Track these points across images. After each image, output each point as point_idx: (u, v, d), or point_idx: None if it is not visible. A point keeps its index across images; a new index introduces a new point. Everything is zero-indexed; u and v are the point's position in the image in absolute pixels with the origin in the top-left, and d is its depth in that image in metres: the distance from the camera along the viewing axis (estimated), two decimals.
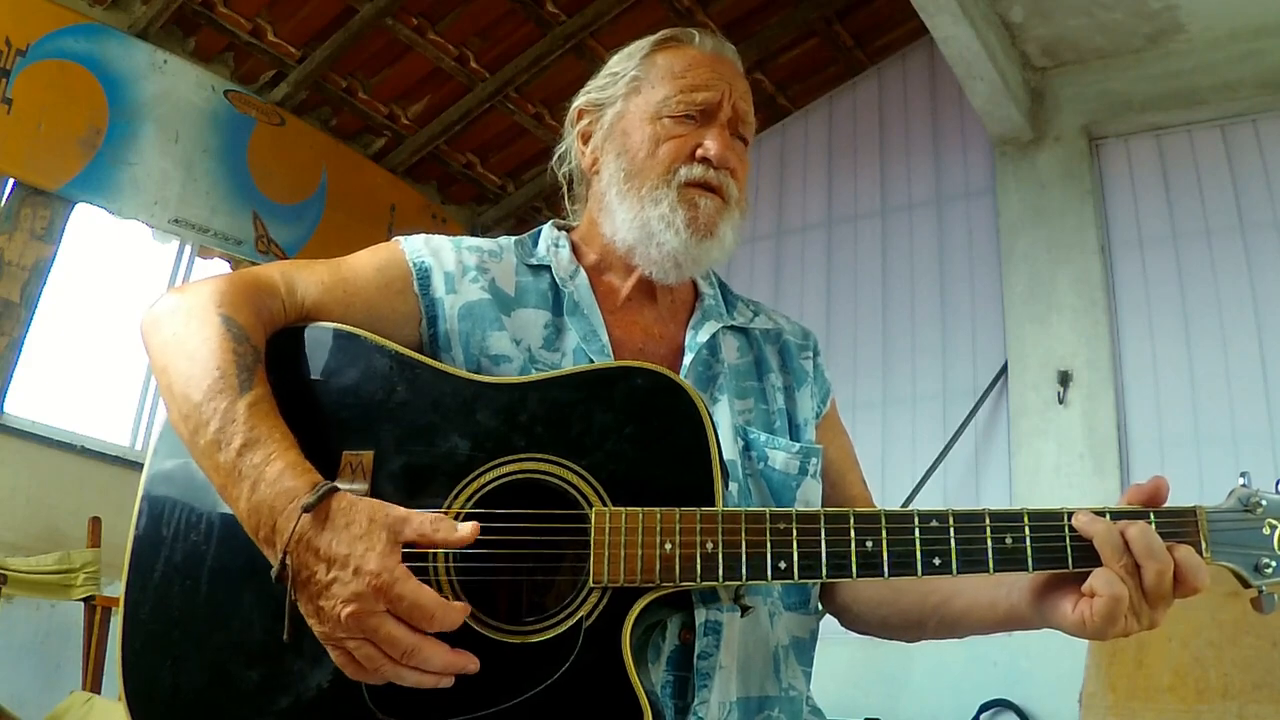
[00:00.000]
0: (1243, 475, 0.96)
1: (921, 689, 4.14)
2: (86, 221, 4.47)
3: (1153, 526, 0.91)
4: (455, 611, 0.87)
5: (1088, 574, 0.91)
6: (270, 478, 0.89)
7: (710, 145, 1.15)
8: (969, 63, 4.35)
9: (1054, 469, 4.35)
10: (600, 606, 0.93)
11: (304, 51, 4.96)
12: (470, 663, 0.88)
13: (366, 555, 0.86)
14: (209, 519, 0.98)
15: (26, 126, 4.15)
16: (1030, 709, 3.95)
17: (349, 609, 0.84)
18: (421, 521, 0.89)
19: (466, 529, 0.90)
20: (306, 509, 0.87)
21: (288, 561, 0.86)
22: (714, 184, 1.16)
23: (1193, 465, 4.14)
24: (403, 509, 0.89)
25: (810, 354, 1.30)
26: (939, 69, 5.03)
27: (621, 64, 1.24)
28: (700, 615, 1.01)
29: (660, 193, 1.15)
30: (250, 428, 0.92)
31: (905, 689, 4.17)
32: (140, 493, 1.00)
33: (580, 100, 1.27)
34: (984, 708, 4.01)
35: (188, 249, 4.88)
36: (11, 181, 4.17)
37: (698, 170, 1.15)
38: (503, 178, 6.01)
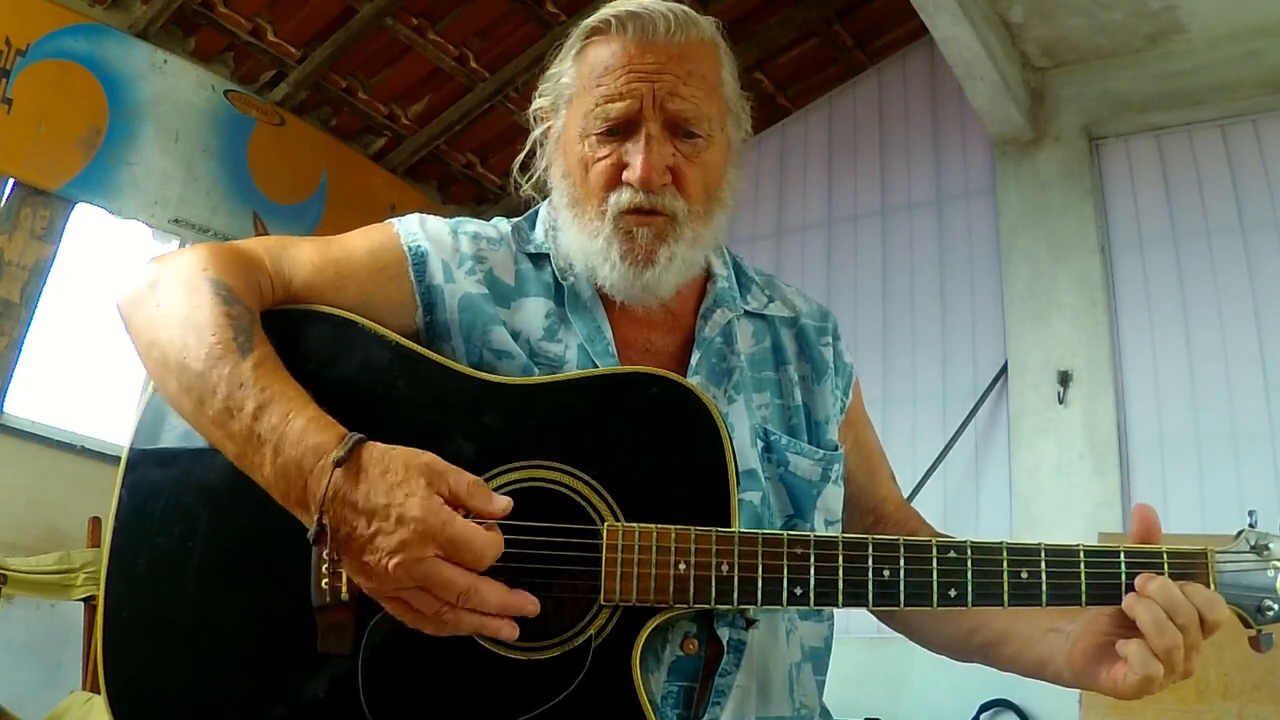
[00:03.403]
0: (1250, 514, 0.97)
1: (921, 689, 4.14)
2: (86, 221, 4.46)
3: (1165, 568, 0.93)
4: (494, 545, 0.84)
5: (1122, 636, 0.93)
6: (293, 437, 0.86)
7: (634, 168, 1.04)
8: (969, 63, 4.35)
9: (1054, 469, 4.34)
10: (610, 625, 0.90)
11: (304, 51, 4.95)
12: (529, 603, 0.85)
13: (408, 502, 0.82)
14: (194, 512, 0.93)
15: (26, 126, 4.14)
16: (1030, 709, 3.95)
17: (396, 559, 0.81)
18: (459, 479, 0.85)
19: (502, 502, 0.87)
20: (338, 463, 0.84)
21: (325, 521, 0.83)
22: (647, 207, 1.05)
23: (1193, 465, 4.14)
24: (441, 460, 0.86)
25: (829, 338, 1.22)
26: (939, 69, 5.02)
27: (559, 64, 1.14)
28: (724, 634, 0.98)
29: (596, 226, 1.07)
30: (261, 389, 0.88)
31: (905, 689, 4.17)
32: (118, 484, 0.95)
33: (534, 104, 1.17)
34: (984, 708, 4.01)
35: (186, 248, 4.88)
36: (11, 181, 4.16)
37: (626, 196, 1.05)
38: (503, 178, 6.01)
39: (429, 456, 0.86)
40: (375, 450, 0.86)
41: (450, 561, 0.82)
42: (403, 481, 0.84)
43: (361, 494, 0.83)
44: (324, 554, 0.85)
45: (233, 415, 0.88)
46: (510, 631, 0.85)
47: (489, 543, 0.84)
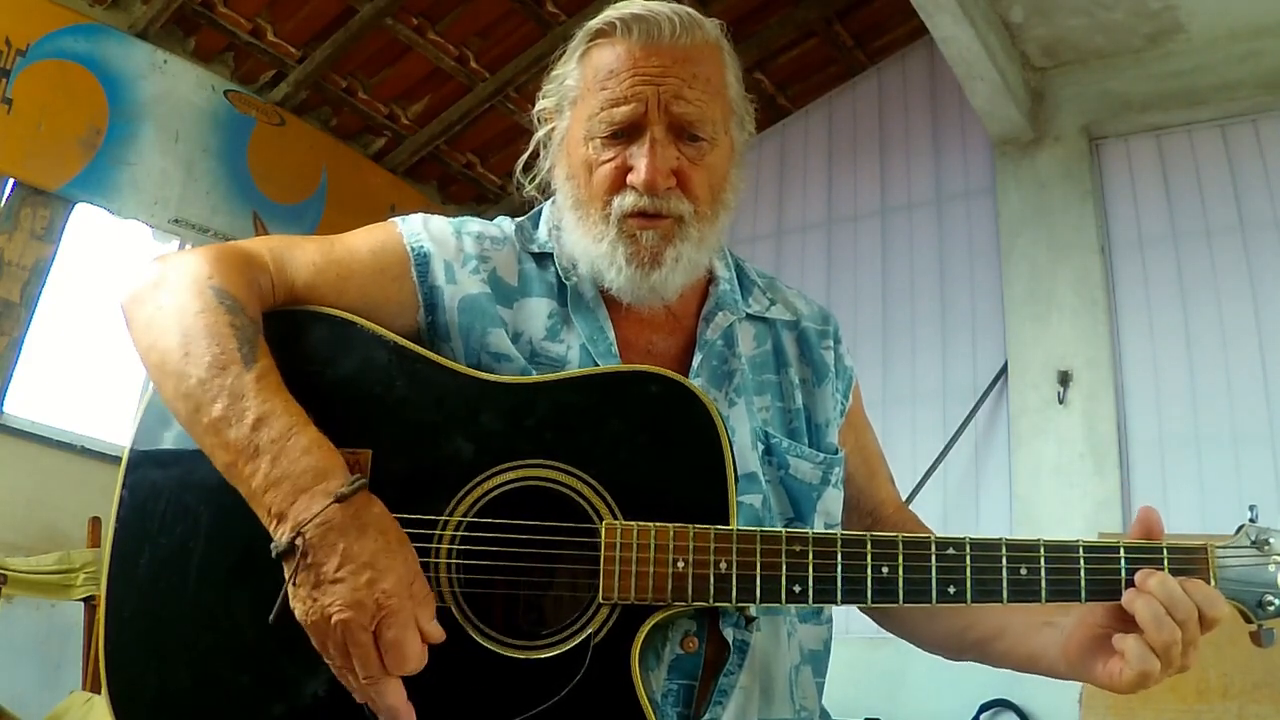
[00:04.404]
0: (1251, 509, 0.97)
1: (921, 689, 4.14)
2: (86, 221, 4.46)
3: (1165, 564, 0.92)
4: (421, 663, 0.85)
5: (1118, 630, 0.92)
6: (293, 454, 0.86)
7: (638, 171, 1.03)
8: (969, 63, 4.35)
9: (1054, 469, 4.34)
10: (609, 624, 0.90)
11: (304, 51, 4.95)
12: None
13: (387, 572, 0.83)
14: (195, 512, 0.94)
15: (26, 126, 4.13)
16: (1030, 709, 3.95)
17: (343, 615, 0.82)
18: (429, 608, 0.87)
19: (437, 634, 0.87)
20: (340, 499, 0.84)
21: (297, 543, 0.83)
22: (651, 211, 1.05)
23: (1193, 465, 4.14)
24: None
25: (831, 342, 1.22)
26: (939, 69, 5.02)
27: (563, 65, 1.14)
28: (729, 634, 0.99)
29: (600, 229, 1.07)
30: (262, 401, 0.88)
31: (905, 689, 4.17)
32: (119, 483, 0.96)
33: (538, 105, 1.17)
34: (984, 708, 4.01)
35: (188, 249, 4.88)
36: (11, 181, 4.15)
37: (630, 199, 1.05)
38: (503, 178, 6.00)
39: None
40: (377, 506, 0.87)
41: (376, 646, 0.84)
42: (387, 552, 0.85)
43: (349, 538, 0.84)
44: (285, 570, 0.85)
45: (230, 424, 0.88)
46: None
47: (417, 661, 0.85)
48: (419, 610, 0.85)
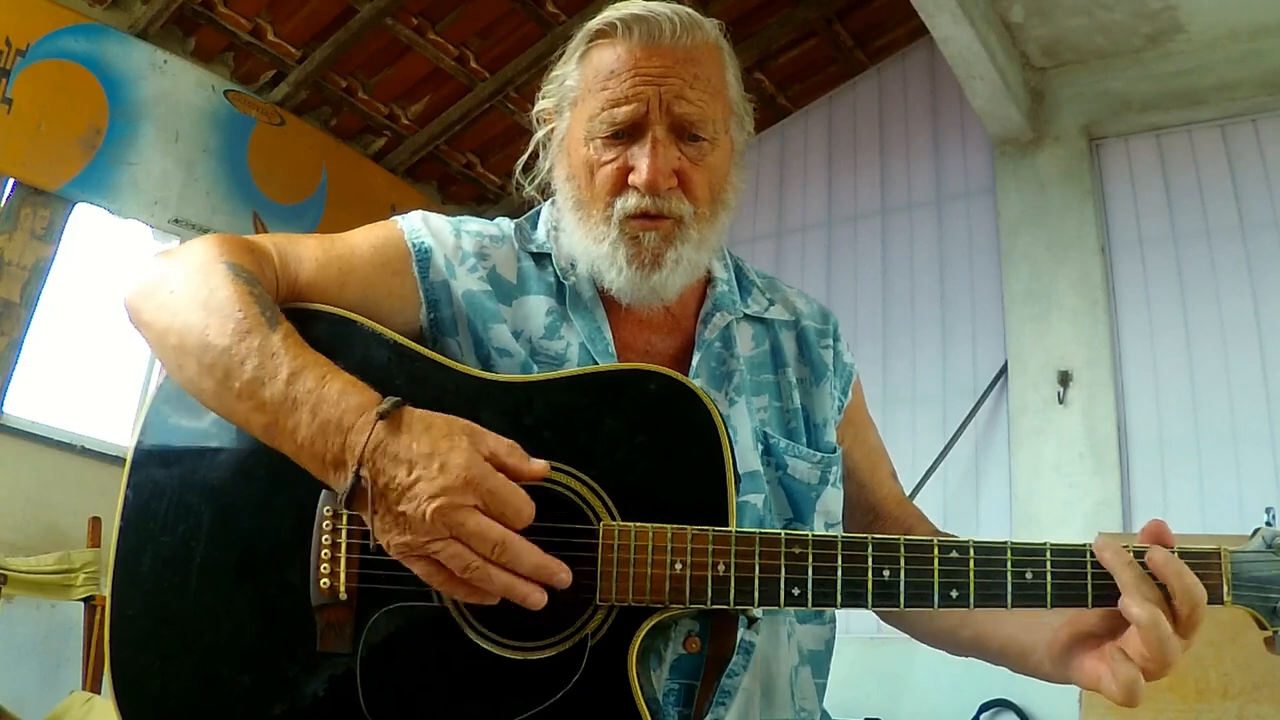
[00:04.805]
0: (1268, 511, 0.95)
1: (921, 689, 4.14)
2: (86, 221, 4.46)
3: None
4: (531, 506, 0.86)
5: (1107, 631, 0.91)
6: (332, 397, 0.86)
7: (640, 171, 1.03)
8: (969, 63, 4.35)
9: (1054, 469, 4.34)
10: (607, 625, 0.90)
11: (304, 51, 4.95)
12: (562, 570, 0.85)
13: (452, 452, 0.84)
14: (199, 511, 0.94)
15: (26, 126, 4.13)
16: (1030, 709, 3.95)
17: (436, 504, 0.81)
18: (498, 441, 0.87)
19: (539, 465, 0.88)
20: (382, 416, 0.85)
21: (363, 474, 0.83)
22: (653, 212, 1.05)
23: (1193, 465, 4.14)
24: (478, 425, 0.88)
25: (830, 340, 1.22)
26: (939, 69, 5.02)
27: (563, 66, 1.14)
28: (738, 633, 0.98)
29: (602, 230, 1.07)
30: (294, 357, 0.89)
31: (905, 689, 4.17)
32: (123, 483, 0.95)
33: (538, 106, 1.17)
34: (984, 708, 4.01)
35: None
36: (11, 181, 4.15)
37: (632, 201, 1.05)
38: (503, 178, 6.00)
39: (468, 421, 0.88)
40: (416, 411, 0.87)
41: (487, 515, 0.83)
42: (446, 435, 0.85)
43: (404, 444, 0.84)
44: (362, 514, 0.85)
45: (264, 384, 0.88)
46: (539, 598, 0.85)
47: (526, 501, 0.85)
48: (506, 454, 0.87)
